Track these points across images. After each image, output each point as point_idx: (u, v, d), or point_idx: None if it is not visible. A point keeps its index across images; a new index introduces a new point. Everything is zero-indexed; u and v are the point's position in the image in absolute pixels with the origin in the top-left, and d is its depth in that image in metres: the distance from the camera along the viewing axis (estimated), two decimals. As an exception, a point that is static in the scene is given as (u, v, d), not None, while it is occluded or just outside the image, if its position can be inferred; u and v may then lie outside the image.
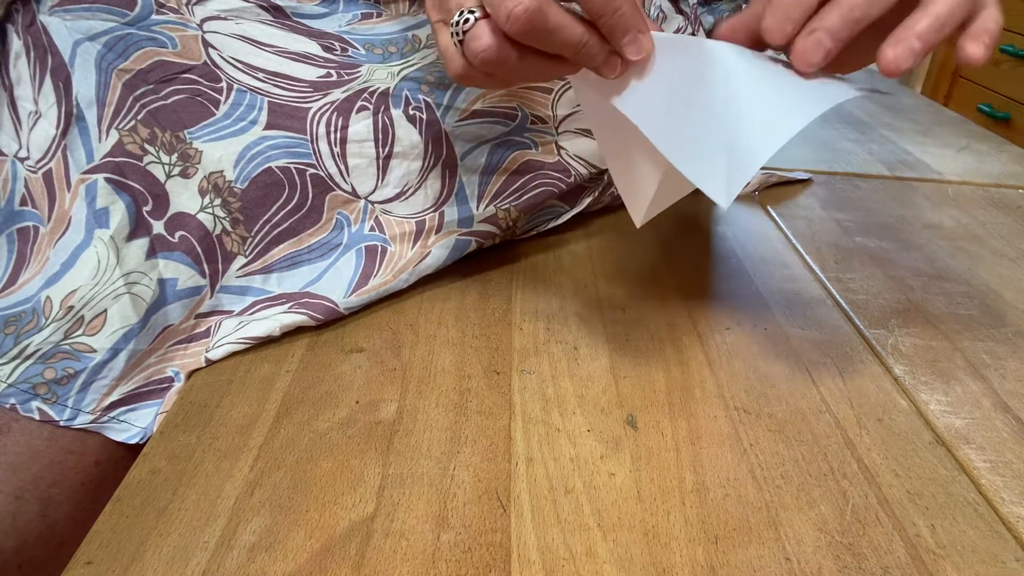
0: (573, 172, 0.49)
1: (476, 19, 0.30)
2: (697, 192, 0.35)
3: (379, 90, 0.43)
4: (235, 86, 0.41)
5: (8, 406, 0.35)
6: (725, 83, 0.32)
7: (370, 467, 0.33)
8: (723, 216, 0.60)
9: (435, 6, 0.33)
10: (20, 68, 0.40)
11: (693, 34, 0.55)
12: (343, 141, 0.42)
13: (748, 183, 0.33)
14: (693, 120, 0.32)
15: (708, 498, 0.32)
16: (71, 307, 0.37)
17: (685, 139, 0.32)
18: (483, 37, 0.30)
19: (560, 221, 0.53)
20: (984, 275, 0.53)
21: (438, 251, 0.45)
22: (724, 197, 0.31)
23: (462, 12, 0.31)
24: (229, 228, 0.41)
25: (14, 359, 0.36)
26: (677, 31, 0.54)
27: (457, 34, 0.31)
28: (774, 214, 0.61)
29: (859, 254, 0.55)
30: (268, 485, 0.32)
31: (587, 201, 0.53)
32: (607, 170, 0.51)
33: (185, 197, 0.40)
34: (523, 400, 0.37)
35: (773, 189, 0.66)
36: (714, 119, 0.32)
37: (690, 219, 0.59)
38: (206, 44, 0.41)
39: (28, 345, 0.36)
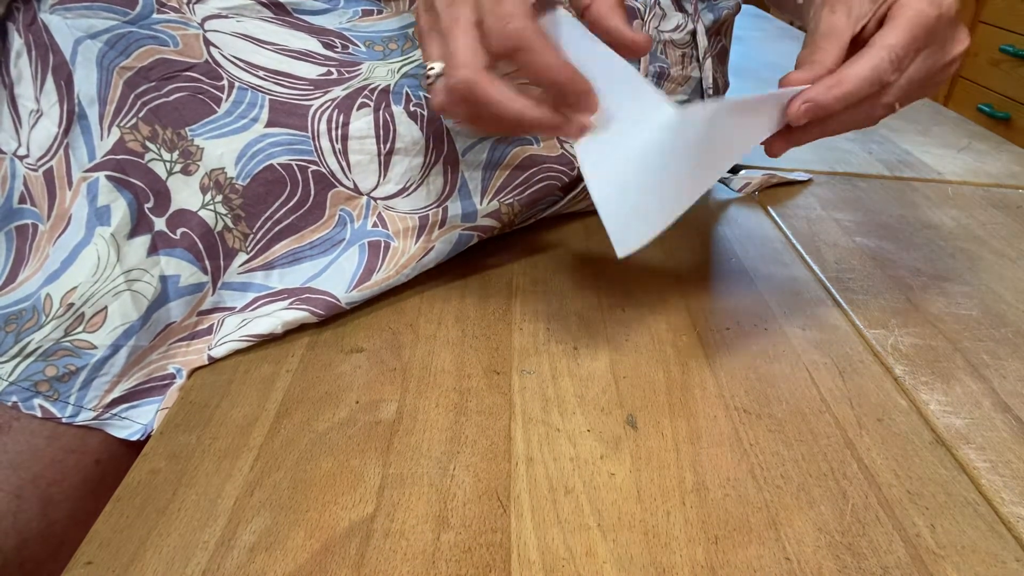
0: (575, 164, 0.49)
1: (436, 75, 0.33)
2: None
3: (380, 87, 0.43)
4: (236, 84, 0.41)
5: (10, 404, 0.35)
6: (660, 146, 0.35)
7: (370, 467, 0.33)
8: (723, 216, 0.60)
9: (418, 18, 0.35)
10: (21, 66, 0.40)
11: (693, 31, 0.55)
12: (344, 138, 0.42)
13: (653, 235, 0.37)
14: (627, 167, 0.36)
15: (708, 498, 0.32)
16: (71, 304, 0.37)
17: (615, 183, 0.35)
18: (438, 96, 0.33)
19: (556, 208, 0.53)
20: (984, 275, 0.53)
21: (441, 246, 0.45)
22: (622, 248, 0.34)
23: (427, 65, 0.33)
24: (231, 225, 0.41)
25: (15, 357, 0.36)
26: (676, 28, 0.54)
27: (426, 80, 0.33)
28: (774, 214, 0.61)
29: (859, 254, 0.55)
30: (268, 485, 0.32)
31: (583, 185, 0.52)
32: None
33: (186, 194, 0.40)
34: (523, 400, 0.37)
35: (773, 189, 0.66)
36: (640, 172, 0.36)
37: (690, 219, 0.59)
38: (207, 43, 0.41)
39: (29, 343, 0.36)
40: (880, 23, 0.37)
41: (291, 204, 0.42)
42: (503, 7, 0.31)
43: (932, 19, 0.35)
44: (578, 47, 0.34)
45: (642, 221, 0.35)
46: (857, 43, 0.37)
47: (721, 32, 0.61)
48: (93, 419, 0.37)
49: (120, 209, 0.38)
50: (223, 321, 0.41)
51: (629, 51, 0.34)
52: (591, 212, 0.57)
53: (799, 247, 0.55)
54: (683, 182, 0.36)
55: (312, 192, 0.42)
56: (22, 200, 0.39)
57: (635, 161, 0.35)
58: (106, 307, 0.37)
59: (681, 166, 0.35)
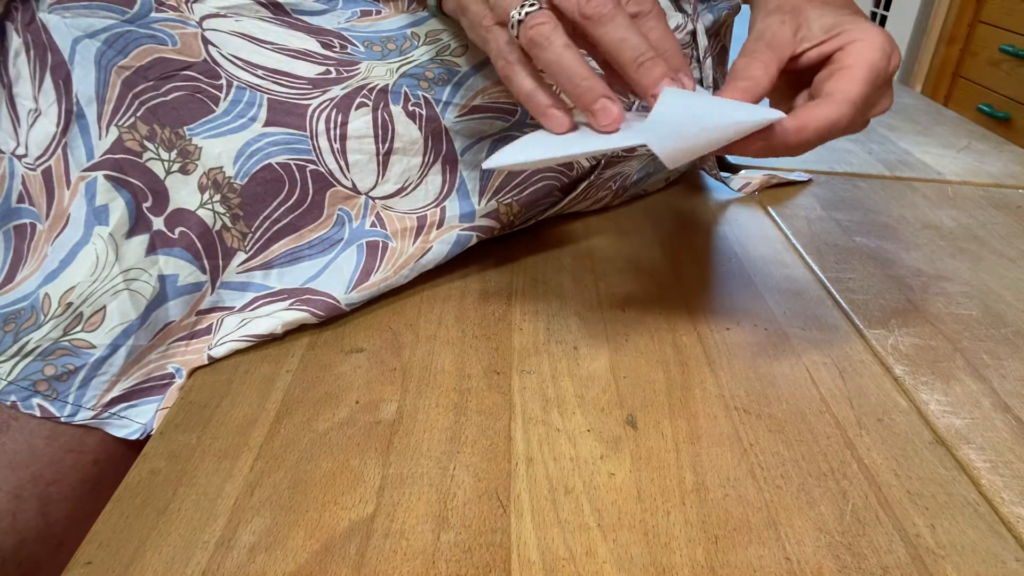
0: (575, 165, 0.49)
1: (517, 21, 0.34)
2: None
3: (378, 86, 0.43)
4: (235, 83, 0.41)
5: (9, 403, 0.35)
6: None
7: (370, 467, 0.33)
8: (723, 216, 0.60)
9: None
10: (19, 66, 0.40)
11: (693, 31, 0.55)
12: (343, 137, 0.42)
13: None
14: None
15: (708, 498, 0.32)
16: (70, 304, 0.36)
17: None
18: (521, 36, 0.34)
19: (555, 210, 0.52)
20: (984, 275, 0.53)
21: (439, 246, 0.45)
22: (670, 159, 0.33)
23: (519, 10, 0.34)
24: (229, 224, 0.41)
25: (13, 356, 0.36)
26: (676, 28, 0.54)
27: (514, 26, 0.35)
28: (774, 214, 0.61)
29: (859, 254, 0.55)
30: (268, 485, 0.32)
31: (582, 186, 0.52)
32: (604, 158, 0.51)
33: (185, 193, 0.40)
34: (523, 400, 0.37)
35: (773, 189, 0.66)
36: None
37: (690, 219, 0.59)
38: (206, 41, 0.41)
39: (27, 342, 0.36)
40: (824, 59, 0.37)
41: (289, 203, 0.42)
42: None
43: (886, 74, 0.36)
44: None
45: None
46: (793, 64, 0.37)
47: (721, 33, 0.61)
48: (92, 418, 0.37)
49: (118, 208, 0.38)
50: (222, 321, 0.41)
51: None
52: (591, 212, 0.57)
53: (799, 247, 0.55)
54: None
55: (310, 191, 0.42)
56: (20, 199, 0.39)
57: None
58: (105, 306, 0.37)
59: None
